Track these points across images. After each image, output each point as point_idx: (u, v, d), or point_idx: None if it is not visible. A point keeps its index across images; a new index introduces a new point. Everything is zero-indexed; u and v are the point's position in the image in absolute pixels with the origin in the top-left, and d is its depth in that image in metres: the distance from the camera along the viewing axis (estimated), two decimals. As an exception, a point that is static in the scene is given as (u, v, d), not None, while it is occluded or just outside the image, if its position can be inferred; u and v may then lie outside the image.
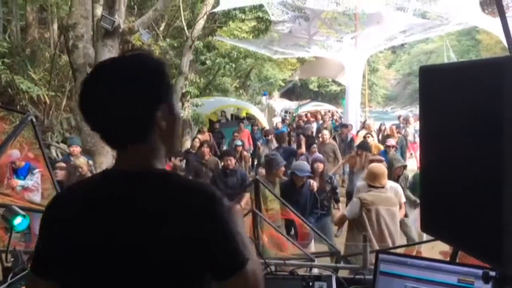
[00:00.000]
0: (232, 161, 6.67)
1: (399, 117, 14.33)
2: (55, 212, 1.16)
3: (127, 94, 1.11)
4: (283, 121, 19.23)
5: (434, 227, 1.26)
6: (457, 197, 1.12)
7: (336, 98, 38.58)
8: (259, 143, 11.64)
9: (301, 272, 2.11)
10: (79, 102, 1.15)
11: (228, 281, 1.05)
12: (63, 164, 6.05)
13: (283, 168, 5.80)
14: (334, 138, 10.87)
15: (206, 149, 7.96)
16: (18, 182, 6.06)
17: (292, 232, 5.05)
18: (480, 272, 1.28)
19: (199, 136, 11.12)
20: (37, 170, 6.22)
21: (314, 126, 15.87)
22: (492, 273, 1.17)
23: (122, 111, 1.10)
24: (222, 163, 6.99)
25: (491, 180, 0.99)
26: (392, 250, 3.02)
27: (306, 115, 21.96)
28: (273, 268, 2.12)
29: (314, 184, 5.54)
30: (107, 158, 8.38)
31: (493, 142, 0.98)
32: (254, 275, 1.08)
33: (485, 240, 1.03)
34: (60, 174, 5.74)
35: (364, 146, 7.82)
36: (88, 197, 1.14)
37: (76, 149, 6.96)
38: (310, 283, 1.80)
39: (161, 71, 1.17)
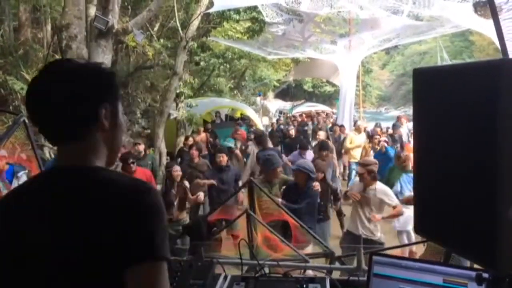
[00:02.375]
0: (224, 158, 6.80)
1: (398, 118, 14.25)
2: None
3: (70, 92, 1.16)
4: (277, 121, 19.27)
5: (427, 228, 1.26)
6: (450, 199, 1.12)
7: (330, 98, 38.66)
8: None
9: (295, 274, 2.11)
10: (26, 100, 1.20)
11: (130, 269, 1.05)
12: None
13: (280, 168, 5.79)
14: (327, 138, 10.92)
15: (195, 152, 7.97)
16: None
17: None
18: (473, 274, 1.29)
19: (195, 136, 11.12)
20: (21, 172, 6.17)
21: (310, 126, 15.93)
22: (485, 275, 1.17)
23: (64, 108, 1.15)
24: (215, 160, 7.07)
25: (484, 182, 0.99)
26: (386, 252, 3.03)
27: (300, 115, 22.00)
28: (267, 270, 2.12)
29: (317, 185, 5.50)
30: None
31: (487, 145, 0.98)
32: (156, 275, 1.07)
33: (478, 242, 1.04)
34: None
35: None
36: (18, 195, 1.20)
37: None
38: (304, 285, 1.79)
39: (104, 73, 1.25)
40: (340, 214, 7.36)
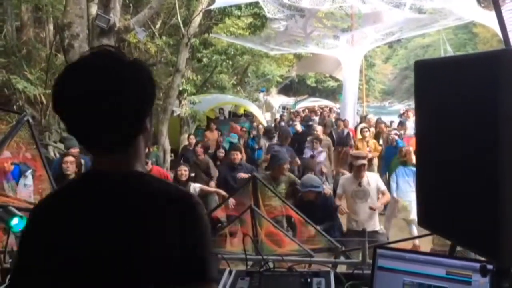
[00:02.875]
0: (238, 156, 6.76)
1: (403, 113, 14.18)
2: (34, 222, 1.13)
3: (126, 100, 1.06)
4: (281, 117, 19.23)
5: (430, 221, 1.25)
6: (454, 191, 1.12)
7: (334, 93, 38.51)
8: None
9: (299, 268, 2.11)
10: (56, 103, 1.08)
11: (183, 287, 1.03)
12: (72, 158, 5.99)
13: (286, 165, 5.74)
14: (330, 133, 10.88)
15: (199, 149, 7.98)
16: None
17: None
18: (477, 265, 1.28)
19: (208, 133, 11.04)
20: (28, 172, 6.19)
21: (316, 120, 15.86)
22: (490, 267, 1.17)
23: (118, 118, 1.06)
24: (229, 158, 7.06)
25: (487, 173, 0.99)
26: (390, 245, 3.03)
27: (303, 110, 21.96)
28: (271, 264, 2.12)
29: (327, 190, 5.46)
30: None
31: (489, 135, 0.98)
32: None
33: (482, 234, 1.03)
34: (71, 168, 5.73)
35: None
36: (67, 203, 1.11)
37: (75, 150, 6.93)
38: (308, 279, 1.80)
39: (152, 79, 1.15)
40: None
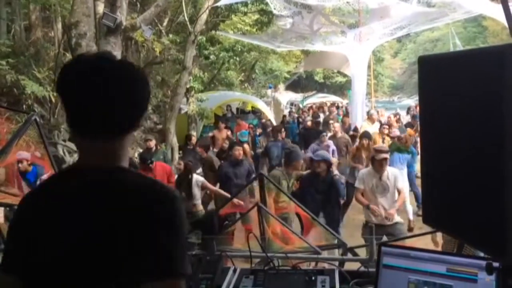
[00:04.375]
0: (240, 151, 6.78)
1: (408, 108, 14.10)
2: (19, 210, 1.20)
3: (129, 94, 1.15)
4: (289, 113, 19.20)
5: (435, 218, 1.24)
6: (458, 188, 1.10)
7: (342, 89, 38.43)
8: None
9: (304, 266, 2.10)
10: (61, 86, 1.15)
11: (146, 285, 1.03)
12: None
13: (301, 161, 5.87)
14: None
15: (200, 149, 8.01)
16: None
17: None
18: (483, 263, 1.27)
19: (216, 133, 10.83)
20: (45, 175, 6.24)
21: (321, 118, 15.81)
22: (496, 264, 1.15)
23: (120, 106, 1.14)
24: (231, 153, 7.10)
25: (492, 170, 0.97)
26: (396, 243, 3.01)
27: (311, 107, 21.91)
28: (277, 262, 2.12)
29: (337, 172, 5.80)
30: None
31: (494, 131, 0.96)
32: None
33: (487, 231, 1.02)
34: None
35: (366, 135, 7.76)
36: (49, 192, 1.17)
37: None
38: (313, 277, 1.79)
39: (146, 78, 1.24)
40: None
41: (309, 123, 12.36)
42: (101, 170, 1.14)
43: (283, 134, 9.44)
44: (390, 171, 5.44)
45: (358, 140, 7.91)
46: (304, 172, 6.14)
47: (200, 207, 6.30)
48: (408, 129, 9.58)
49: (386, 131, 9.00)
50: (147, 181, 1.16)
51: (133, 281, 1.03)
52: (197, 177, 6.35)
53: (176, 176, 6.62)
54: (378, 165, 5.35)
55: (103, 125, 1.14)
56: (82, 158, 1.19)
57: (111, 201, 1.09)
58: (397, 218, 5.38)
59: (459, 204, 1.11)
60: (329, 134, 9.45)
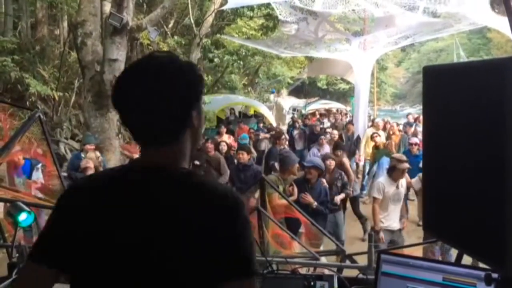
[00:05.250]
0: (244, 156, 6.70)
1: (407, 116, 14.15)
2: (69, 200, 1.15)
3: (168, 94, 1.12)
4: (292, 119, 19.19)
5: (436, 227, 1.25)
6: (459, 198, 1.11)
7: (345, 96, 38.36)
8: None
9: (303, 271, 2.11)
10: (115, 99, 1.15)
11: (227, 283, 1.05)
12: (93, 155, 6.08)
13: (297, 165, 5.88)
14: (340, 136, 10.84)
15: (210, 145, 7.91)
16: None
17: (303, 230, 5.10)
18: (482, 274, 1.27)
19: (217, 138, 10.41)
20: (39, 165, 6.24)
21: (325, 124, 15.84)
22: (495, 275, 1.16)
23: (162, 110, 1.12)
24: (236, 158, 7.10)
25: (493, 181, 0.98)
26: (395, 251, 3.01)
27: (313, 113, 21.89)
28: (277, 266, 2.12)
29: (324, 181, 5.75)
30: (115, 154, 8.44)
31: (495, 143, 0.97)
32: None
33: (487, 242, 1.02)
34: (91, 164, 5.85)
35: (340, 146, 7.75)
36: (107, 187, 1.14)
37: (91, 147, 7.07)
38: (312, 283, 1.80)
39: (196, 71, 1.21)
40: (361, 217, 7.32)
41: (318, 127, 12.40)
42: (166, 169, 1.13)
43: (283, 140, 9.33)
44: (401, 180, 5.59)
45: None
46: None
47: None
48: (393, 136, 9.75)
49: (377, 140, 9.08)
50: (218, 185, 1.18)
51: (209, 282, 1.04)
52: None
53: None
54: (400, 173, 5.48)
55: (157, 135, 1.15)
56: (143, 158, 1.19)
57: (177, 204, 1.08)
58: (400, 225, 5.61)
59: (459, 214, 1.11)
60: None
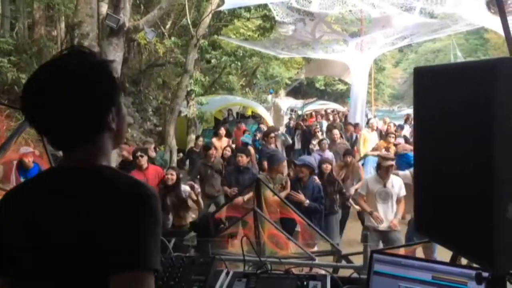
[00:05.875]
0: (243, 158, 6.64)
1: (406, 117, 14.17)
2: (1, 208, 1.19)
3: (81, 99, 1.11)
4: (289, 120, 19.20)
5: (427, 228, 1.25)
6: (449, 198, 1.12)
7: (343, 96, 38.43)
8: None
9: (296, 271, 2.11)
10: (23, 103, 1.13)
11: (113, 278, 1.03)
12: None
13: (284, 164, 5.88)
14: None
15: (214, 151, 7.86)
16: None
17: (299, 229, 5.12)
18: (473, 273, 1.28)
19: (215, 141, 10.06)
20: None
21: (324, 124, 15.81)
22: (485, 274, 1.16)
23: (74, 115, 1.11)
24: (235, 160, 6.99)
25: (482, 181, 0.99)
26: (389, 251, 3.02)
27: (311, 114, 21.92)
28: (273, 267, 2.12)
29: (316, 178, 5.80)
30: (112, 155, 8.43)
31: (484, 144, 0.98)
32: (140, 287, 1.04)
33: (476, 241, 1.03)
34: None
35: (350, 152, 7.74)
36: (28, 194, 1.17)
37: None
38: (305, 282, 1.80)
39: (111, 72, 1.19)
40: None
41: (315, 129, 12.40)
42: (80, 169, 1.15)
43: (271, 139, 9.22)
44: (394, 179, 5.53)
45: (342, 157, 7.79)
46: (284, 176, 6.15)
47: (188, 221, 5.89)
48: (381, 141, 9.67)
49: (392, 140, 9.04)
50: (126, 178, 1.16)
51: (103, 273, 1.03)
52: (185, 187, 6.01)
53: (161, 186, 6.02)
54: (384, 171, 5.46)
55: (66, 137, 1.15)
56: (63, 160, 1.21)
57: (88, 197, 1.10)
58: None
59: (450, 215, 1.12)
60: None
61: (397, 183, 5.50)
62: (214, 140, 10.30)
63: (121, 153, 7.42)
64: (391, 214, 5.43)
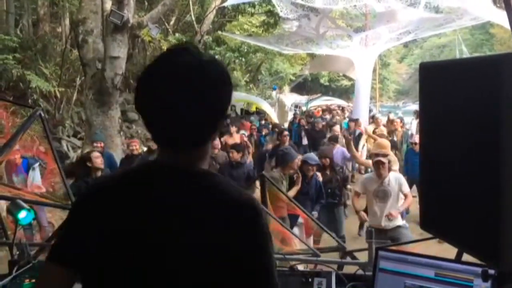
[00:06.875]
0: (234, 154, 6.73)
1: (415, 112, 14.08)
2: (88, 201, 1.12)
3: (210, 101, 1.06)
4: (294, 115, 19.18)
5: (433, 224, 1.25)
6: (455, 194, 1.11)
7: (347, 92, 38.31)
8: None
9: (301, 267, 2.11)
10: (140, 103, 1.09)
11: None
12: (97, 154, 6.21)
13: (297, 161, 5.90)
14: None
15: (216, 142, 7.86)
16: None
17: (301, 220, 5.17)
18: (479, 270, 1.28)
19: (226, 138, 9.64)
20: (36, 164, 6.23)
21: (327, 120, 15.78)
22: (491, 272, 1.16)
23: (194, 120, 1.05)
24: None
25: (488, 178, 0.98)
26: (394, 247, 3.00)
27: (315, 109, 21.88)
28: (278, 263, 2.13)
29: (319, 175, 5.92)
30: (116, 152, 8.46)
31: (490, 140, 0.97)
32: None
33: (483, 238, 1.03)
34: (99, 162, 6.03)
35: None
36: (127, 188, 1.10)
37: (101, 144, 7.09)
38: (310, 279, 1.80)
39: (230, 79, 1.14)
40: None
41: (320, 124, 12.39)
42: (187, 171, 1.09)
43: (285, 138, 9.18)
44: (392, 176, 5.26)
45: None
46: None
47: None
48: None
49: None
50: (243, 193, 1.11)
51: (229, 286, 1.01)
52: None
53: None
54: (375, 168, 5.26)
55: (185, 141, 1.09)
56: (162, 158, 1.14)
57: (195, 206, 1.05)
58: (400, 222, 5.24)
59: (456, 211, 1.12)
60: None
61: (395, 180, 5.23)
62: (226, 137, 9.79)
63: (130, 147, 7.48)
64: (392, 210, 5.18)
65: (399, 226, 5.19)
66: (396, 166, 6.45)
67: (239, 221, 1.03)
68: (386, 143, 6.63)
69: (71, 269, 1.08)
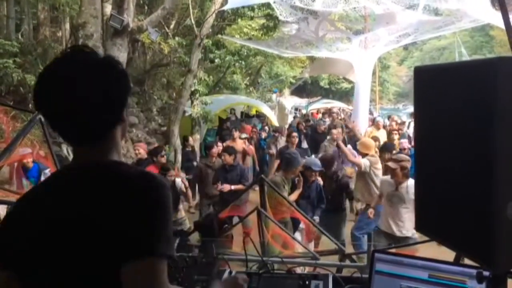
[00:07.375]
0: (226, 157, 6.77)
1: (411, 114, 14.12)
2: (16, 206, 1.22)
3: (101, 98, 1.14)
4: (294, 118, 19.18)
5: (428, 226, 1.26)
6: (449, 196, 1.12)
7: (347, 95, 38.30)
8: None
9: (298, 270, 2.12)
10: (38, 103, 1.16)
11: (125, 265, 1.04)
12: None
13: (300, 167, 5.92)
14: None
15: (214, 150, 7.86)
16: None
17: (303, 225, 5.17)
18: (473, 272, 1.28)
19: (229, 143, 8.88)
20: (47, 170, 6.26)
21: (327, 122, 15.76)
22: (486, 273, 1.17)
23: (94, 113, 1.14)
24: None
25: (481, 179, 0.99)
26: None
27: (316, 112, 21.89)
28: (275, 266, 2.13)
29: (320, 179, 5.91)
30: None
31: (483, 143, 0.98)
32: (153, 273, 1.05)
33: (476, 240, 1.03)
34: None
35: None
36: (43, 191, 1.21)
37: None
38: (307, 282, 1.81)
39: (125, 75, 1.22)
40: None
41: (322, 127, 12.38)
42: (93, 164, 1.17)
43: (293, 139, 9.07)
44: (411, 184, 4.97)
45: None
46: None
47: (183, 213, 6.22)
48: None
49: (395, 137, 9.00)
50: (137, 170, 1.19)
51: (116, 261, 1.04)
52: (178, 181, 6.14)
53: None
54: (391, 174, 5.18)
55: (82, 134, 1.18)
56: (75, 158, 1.23)
57: (100, 190, 1.12)
58: (410, 233, 5.02)
59: (451, 214, 1.13)
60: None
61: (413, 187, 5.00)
62: (228, 142, 9.28)
63: (137, 151, 7.48)
64: (401, 221, 5.02)
65: (407, 237, 5.00)
66: (378, 165, 6.55)
67: (124, 195, 1.10)
68: (371, 143, 6.67)
69: (8, 271, 1.14)
